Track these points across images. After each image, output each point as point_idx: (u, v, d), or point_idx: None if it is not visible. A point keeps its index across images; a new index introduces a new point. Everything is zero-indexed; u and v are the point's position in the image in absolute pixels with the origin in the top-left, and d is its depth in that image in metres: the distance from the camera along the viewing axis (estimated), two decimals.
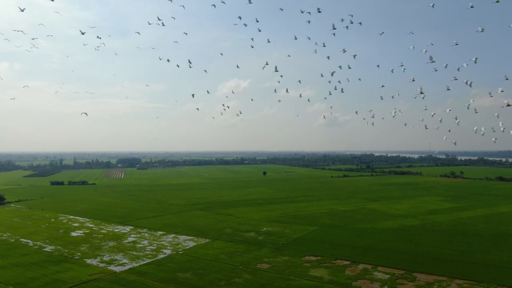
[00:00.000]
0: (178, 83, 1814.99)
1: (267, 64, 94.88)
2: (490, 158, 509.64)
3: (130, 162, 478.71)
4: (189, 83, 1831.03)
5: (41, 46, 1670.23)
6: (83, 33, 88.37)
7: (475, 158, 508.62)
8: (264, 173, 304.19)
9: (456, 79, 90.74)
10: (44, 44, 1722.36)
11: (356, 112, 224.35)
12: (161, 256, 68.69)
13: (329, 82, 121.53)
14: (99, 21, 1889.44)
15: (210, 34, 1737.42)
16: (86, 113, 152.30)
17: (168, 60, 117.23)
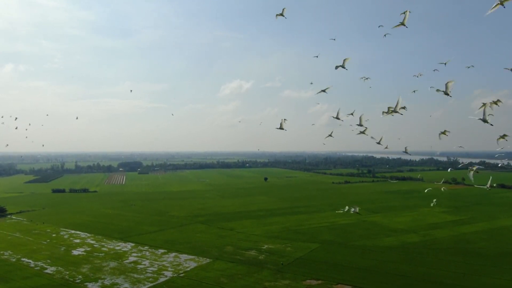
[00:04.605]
0: (180, 83, 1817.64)
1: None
2: (492, 161, 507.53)
3: (132, 165, 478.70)
4: (191, 84, 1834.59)
5: (43, 46, 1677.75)
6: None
7: (477, 161, 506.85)
8: (265, 179, 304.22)
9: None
10: (46, 44, 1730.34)
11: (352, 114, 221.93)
12: (162, 279, 68.79)
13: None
14: (100, 21, 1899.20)
15: (211, 34, 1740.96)
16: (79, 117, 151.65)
17: None
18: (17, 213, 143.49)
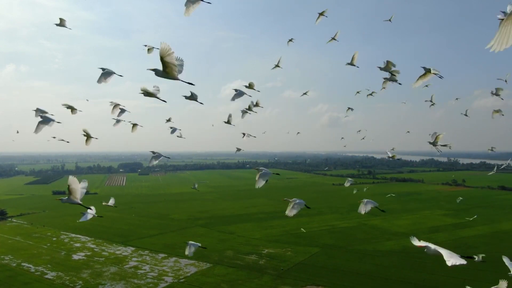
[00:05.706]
0: (180, 83, 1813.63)
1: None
2: (492, 162, 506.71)
3: (132, 166, 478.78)
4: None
5: (44, 46, 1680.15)
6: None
7: (477, 162, 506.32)
8: (266, 180, 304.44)
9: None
10: (47, 44, 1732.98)
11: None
12: (162, 285, 68.83)
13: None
14: (101, 21, 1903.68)
15: (213, 34, 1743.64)
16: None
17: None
18: (17, 216, 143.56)
